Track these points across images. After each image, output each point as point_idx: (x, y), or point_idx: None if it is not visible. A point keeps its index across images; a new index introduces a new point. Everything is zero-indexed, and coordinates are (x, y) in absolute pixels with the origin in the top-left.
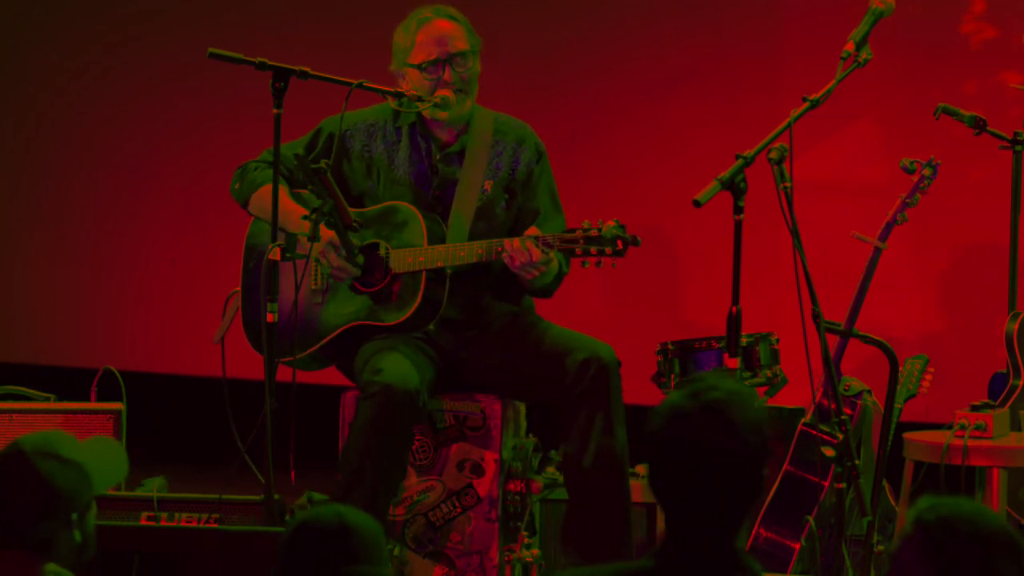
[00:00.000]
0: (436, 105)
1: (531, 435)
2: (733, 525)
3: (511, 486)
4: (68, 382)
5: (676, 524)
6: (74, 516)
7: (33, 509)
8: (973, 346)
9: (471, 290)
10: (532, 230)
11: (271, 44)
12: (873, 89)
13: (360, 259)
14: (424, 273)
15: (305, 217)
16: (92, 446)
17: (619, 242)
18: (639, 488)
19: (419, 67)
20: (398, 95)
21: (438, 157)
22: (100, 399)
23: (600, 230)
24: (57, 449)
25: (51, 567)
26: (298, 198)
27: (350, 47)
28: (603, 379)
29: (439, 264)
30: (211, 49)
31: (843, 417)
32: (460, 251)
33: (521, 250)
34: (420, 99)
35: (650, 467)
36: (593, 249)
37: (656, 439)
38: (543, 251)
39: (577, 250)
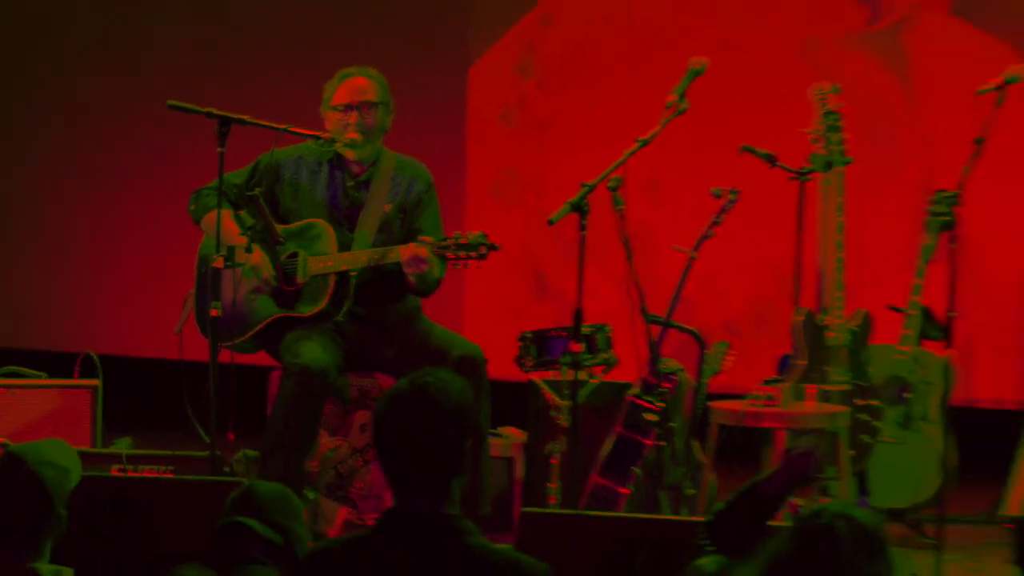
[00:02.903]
0: (345, 145)
1: None
2: (443, 493)
3: None
4: (55, 363)
5: (396, 495)
6: (62, 511)
7: (33, 510)
8: (766, 334)
9: (372, 289)
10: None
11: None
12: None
13: (274, 282)
14: (333, 275)
15: (242, 233)
16: (59, 449)
17: (482, 248)
18: (498, 444)
19: (335, 108)
20: (316, 137)
21: (350, 184)
22: (82, 376)
23: (468, 239)
24: (50, 457)
25: (48, 566)
26: (238, 219)
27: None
28: (476, 372)
29: (344, 268)
30: (170, 101)
31: (662, 390)
32: (361, 257)
33: (413, 248)
34: (333, 140)
35: (375, 443)
36: (462, 254)
37: (377, 417)
38: (428, 249)
39: (449, 254)
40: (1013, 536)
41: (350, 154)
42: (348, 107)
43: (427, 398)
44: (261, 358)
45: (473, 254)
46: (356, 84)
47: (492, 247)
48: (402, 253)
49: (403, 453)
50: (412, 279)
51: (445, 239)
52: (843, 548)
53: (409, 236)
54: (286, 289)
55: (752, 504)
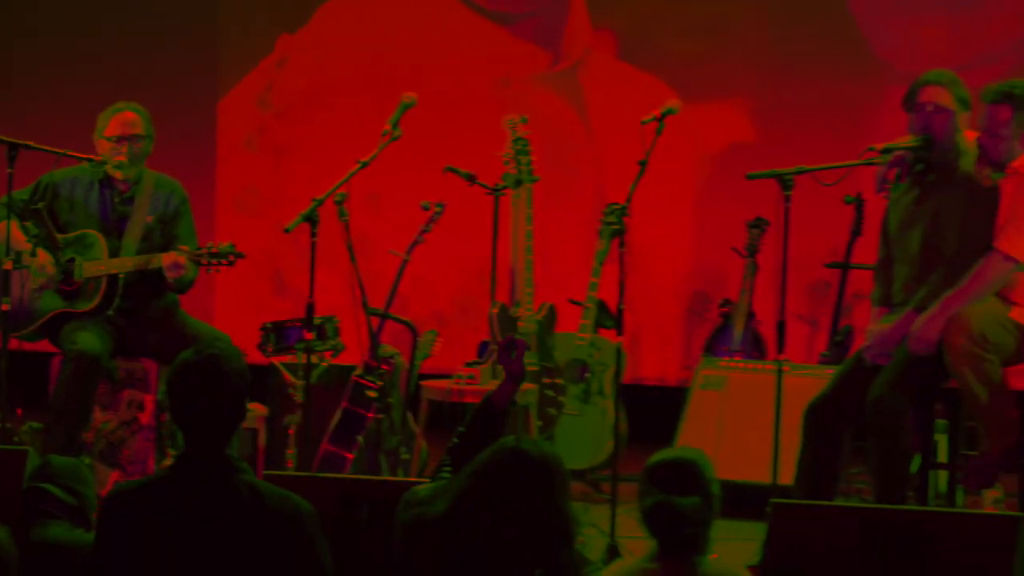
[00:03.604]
0: (114, 167)
1: None
2: (223, 440)
3: (162, 417)
4: None
5: (186, 441)
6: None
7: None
8: (468, 324)
9: (137, 288)
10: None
11: None
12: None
13: (59, 277)
14: (105, 277)
15: (27, 241)
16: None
17: (231, 256)
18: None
19: (108, 138)
20: (89, 160)
21: (117, 200)
22: None
23: (219, 248)
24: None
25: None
26: (24, 228)
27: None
28: None
29: (114, 271)
30: None
31: (381, 371)
32: (128, 262)
33: (173, 256)
34: (103, 163)
35: (169, 400)
36: (214, 261)
37: (171, 380)
38: (185, 256)
39: (204, 261)
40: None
41: (117, 175)
42: (120, 138)
43: (212, 364)
44: (43, 345)
45: (224, 261)
46: (126, 118)
47: (239, 255)
48: (163, 259)
49: (192, 408)
50: (171, 281)
51: (200, 248)
52: (529, 468)
53: (168, 244)
54: (66, 288)
55: (486, 418)
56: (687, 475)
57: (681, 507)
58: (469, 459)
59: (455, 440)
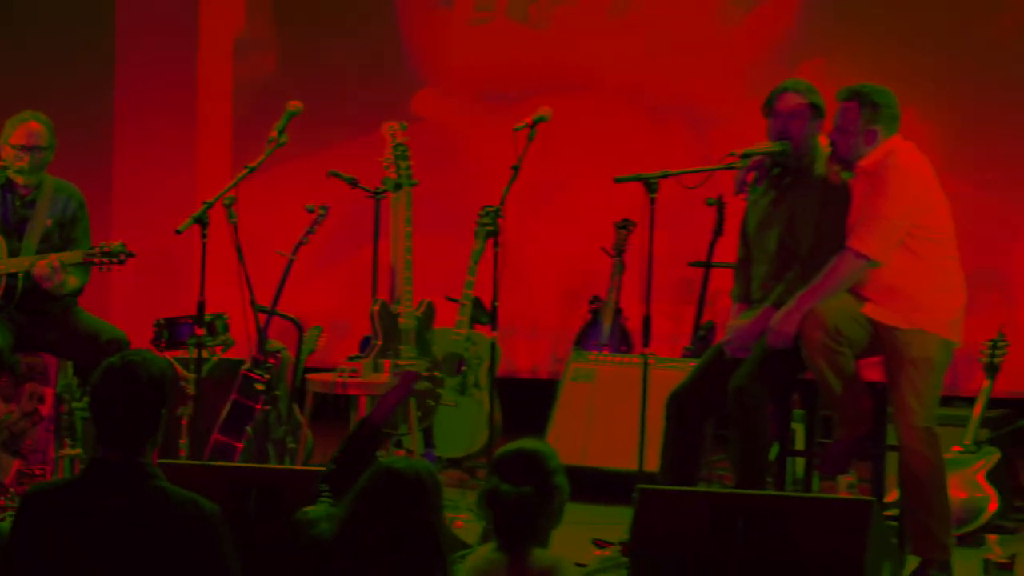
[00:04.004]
0: (16, 171)
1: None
2: (139, 447)
3: (62, 409)
4: None
5: (101, 445)
6: None
7: None
8: (352, 320)
9: (35, 287)
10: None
11: None
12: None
13: None
14: (4, 276)
15: None
16: None
17: (122, 255)
18: None
19: (13, 146)
20: None
21: (18, 204)
22: None
23: (111, 248)
24: None
25: None
26: None
27: None
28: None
29: (13, 270)
30: None
31: (269, 365)
32: (25, 263)
33: (43, 265)
34: (6, 168)
35: (90, 404)
36: (106, 260)
37: (93, 384)
38: (56, 273)
39: (96, 260)
40: None
41: (19, 179)
42: (23, 147)
43: (131, 371)
44: None
45: (115, 260)
46: (31, 128)
47: (129, 254)
48: (35, 270)
49: (109, 413)
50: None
51: (92, 248)
52: (404, 486)
53: (66, 245)
54: None
55: (364, 438)
56: (528, 466)
57: (507, 495)
58: (351, 481)
59: (331, 465)
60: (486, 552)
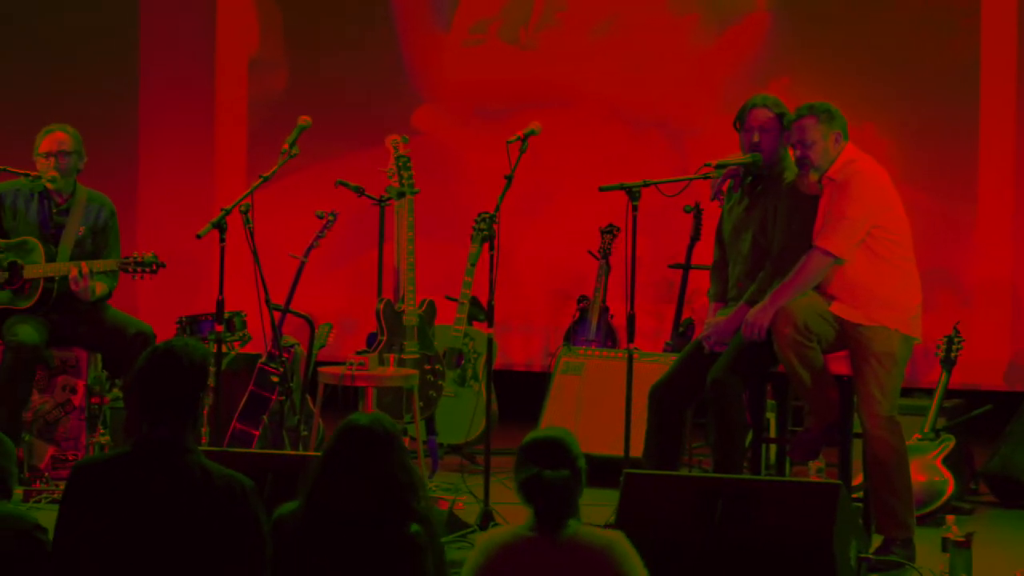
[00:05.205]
0: (47, 180)
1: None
2: (182, 425)
3: (93, 399)
4: None
5: (147, 423)
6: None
7: None
8: (360, 317)
9: (69, 288)
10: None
11: None
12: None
13: (5, 275)
14: (42, 280)
15: None
16: None
17: (154, 265)
18: None
19: (41, 155)
20: (26, 175)
21: (54, 211)
22: None
23: (143, 258)
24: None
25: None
26: None
27: None
28: (147, 345)
29: (50, 274)
30: None
31: (283, 359)
32: (62, 268)
33: (74, 270)
34: (39, 178)
35: (136, 385)
36: (139, 269)
37: (139, 367)
38: (84, 279)
39: (129, 269)
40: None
41: (50, 186)
42: (49, 154)
43: (176, 355)
44: None
45: (147, 269)
46: (56, 137)
47: (161, 264)
48: (70, 272)
49: (155, 393)
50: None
51: (126, 258)
52: (361, 434)
53: (98, 251)
54: (9, 287)
55: None
56: (557, 452)
57: (551, 479)
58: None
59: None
60: (513, 529)
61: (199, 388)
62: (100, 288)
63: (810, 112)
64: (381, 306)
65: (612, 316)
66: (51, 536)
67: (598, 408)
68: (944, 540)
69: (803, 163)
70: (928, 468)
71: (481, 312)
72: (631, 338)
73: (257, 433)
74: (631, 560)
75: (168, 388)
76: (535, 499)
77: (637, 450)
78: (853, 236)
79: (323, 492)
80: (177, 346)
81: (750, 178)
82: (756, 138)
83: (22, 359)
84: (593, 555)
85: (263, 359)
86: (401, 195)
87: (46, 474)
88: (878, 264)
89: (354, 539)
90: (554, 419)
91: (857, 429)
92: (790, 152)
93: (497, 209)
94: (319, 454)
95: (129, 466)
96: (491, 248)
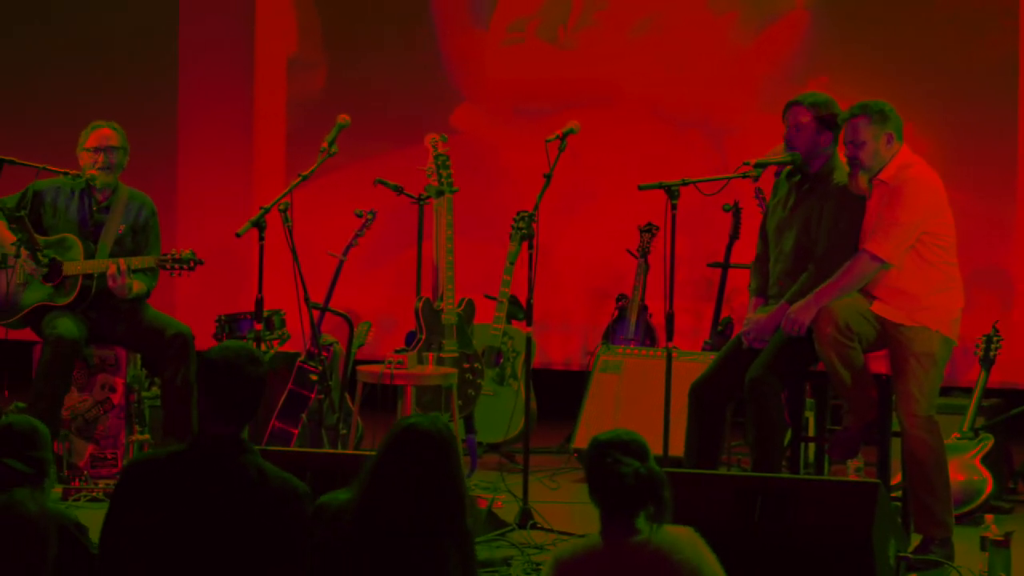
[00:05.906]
0: (91, 177)
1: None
2: (242, 424)
3: (132, 398)
4: None
5: (204, 422)
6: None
7: None
8: (398, 316)
9: (108, 287)
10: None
11: None
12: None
13: (44, 271)
14: (81, 276)
15: (13, 244)
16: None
17: (192, 262)
18: None
19: (87, 150)
20: (66, 173)
21: (95, 209)
22: None
23: (182, 256)
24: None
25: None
26: (12, 230)
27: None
28: (186, 345)
29: (89, 271)
30: None
31: (322, 357)
32: (101, 265)
33: (112, 271)
34: (80, 175)
35: (200, 381)
36: (177, 266)
37: (206, 366)
38: (122, 275)
39: (167, 266)
40: (580, 461)
41: (94, 183)
42: (96, 149)
43: (242, 356)
44: (26, 334)
45: (186, 266)
46: (103, 133)
47: (199, 262)
48: (108, 269)
49: (220, 391)
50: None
51: (164, 255)
52: (422, 440)
53: (138, 250)
54: (47, 284)
55: None
56: (640, 449)
57: (637, 471)
58: None
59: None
60: (583, 542)
61: (260, 390)
62: (138, 286)
63: (862, 112)
64: (420, 304)
65: (651, 315)
66: (91, 534)
67: (637, 407)
68: (983, 539)
69: (853, 163)
70: (967, 467)
71: (520, 311)
72: (670, 337)
73: (296, 432)
74: (705, 558)
75: (234, 386)
76: (614, 492)
77: (676, 449)
78: (903, 242)
79: (374, 497)
80: (243, 347)
81: (798, 176)
82: (789, 135)
83: (61, 353)
84: (663, 558)
85: (302, 358)
86: (440, 194)
87: (85, 472)
88: (925, 269)
89: (399, 548)
90: (592, 417)
91: (896, 428)
92: (839, 151)
93: (536, 208)
94: (373, 453)
95: (186, 463)
96: (530, 247)
